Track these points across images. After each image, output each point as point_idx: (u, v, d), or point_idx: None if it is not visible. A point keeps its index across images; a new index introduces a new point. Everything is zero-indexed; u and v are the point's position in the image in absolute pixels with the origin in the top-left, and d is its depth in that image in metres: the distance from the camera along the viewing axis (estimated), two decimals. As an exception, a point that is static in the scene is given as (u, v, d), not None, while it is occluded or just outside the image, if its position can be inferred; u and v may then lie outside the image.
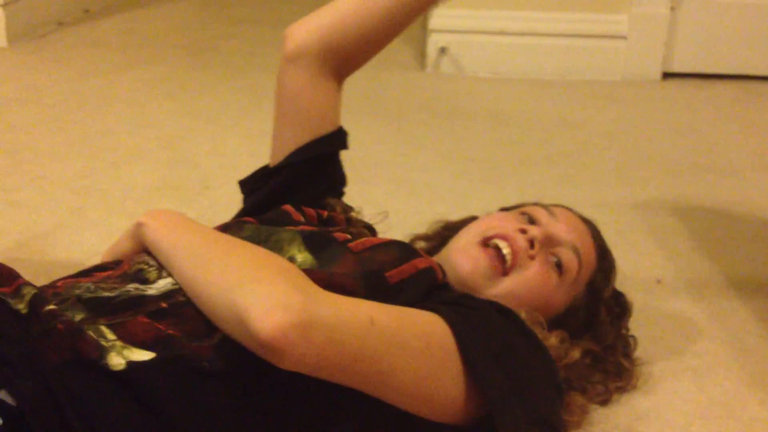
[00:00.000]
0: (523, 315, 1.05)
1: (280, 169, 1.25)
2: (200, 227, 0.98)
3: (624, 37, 2.67)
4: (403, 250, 1.06)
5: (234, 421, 0.86)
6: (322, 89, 1.24)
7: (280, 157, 1.26)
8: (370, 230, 1.24)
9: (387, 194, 1.83)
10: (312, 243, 1.02)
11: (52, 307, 0.88)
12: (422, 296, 1.01)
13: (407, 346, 0.88)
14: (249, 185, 1.30)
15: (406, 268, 1.02)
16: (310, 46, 1.22)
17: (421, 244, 1.30)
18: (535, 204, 1.20)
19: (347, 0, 1.22)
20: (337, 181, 1.29)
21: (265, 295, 0.79)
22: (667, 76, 2.71)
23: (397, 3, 1.20)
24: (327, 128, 1.25)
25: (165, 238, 0.96)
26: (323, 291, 0.85)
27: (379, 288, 0.98)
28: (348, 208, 1.26)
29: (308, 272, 0.89)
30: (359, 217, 1.26)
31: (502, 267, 1.09)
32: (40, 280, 0.99)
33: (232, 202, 1.75)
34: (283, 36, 1.24)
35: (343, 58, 1.23)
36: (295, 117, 1.25)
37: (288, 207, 1.18)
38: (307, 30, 1.22)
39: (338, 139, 1.27)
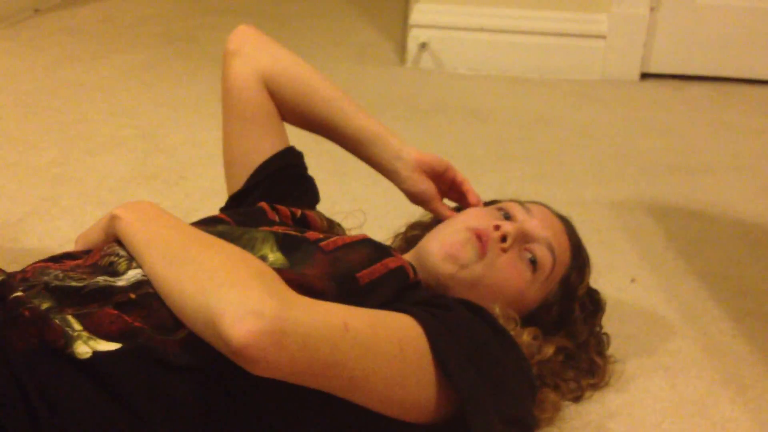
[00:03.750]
0: (497, 311, 1.05)
1: (249, 191, 1.25)
2: (175, 222, 0.97)
3: (603, 37, 2.68)
4: (374, 249, 1.05)
5: (201, 414, 0.85)
6: (264, 94, 1.26)
7: (231, 157, 1.28)
8: (340, 228, 1.24)
9: (365, 188, 1.83)
10: (284, 243, 1.02)
11: (18, 294, 0.87)
12: (394, 296, 1.00)
13: (381, 352, 0.88)
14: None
15: (378, 268, 1.01)
16: (257, 58, 1.25)
17: (414, 232, 1.30)
18: (512, 200, 1.20)
19: (298, 68, 1.26)
20: (310, 197, 1.30)
21: (238, 301, 0.78)
22: (645, 76, 2.72)
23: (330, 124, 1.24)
24: (276, 138, 1.27)
25: (138, 233, 0.95)
26: (297, 296, 0.84)
27: (350, 288, 0.97)
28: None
29: (279, 272, 0.88)
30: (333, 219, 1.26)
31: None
32: (12, 268, 0.98)
33: (208, 193, 1.74)
34: (236, 31, 1.27)
35: (273, 100, 1.27)
36: (240, 109, 1.26)
37: (264, 205, 1.18)
38: (258, 48, 1.26)
39: (291, 155, 1.29)
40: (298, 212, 1.21)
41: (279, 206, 1.19)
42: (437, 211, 1.21)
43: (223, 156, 1.31)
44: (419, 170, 1.21)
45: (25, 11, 2.94)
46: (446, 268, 1.08)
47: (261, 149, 1.26)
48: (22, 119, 2.10)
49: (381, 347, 0.88)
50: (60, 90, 2.30)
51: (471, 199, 1.22)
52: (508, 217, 1.14)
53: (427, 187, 1.21)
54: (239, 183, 1.27)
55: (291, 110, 1.27)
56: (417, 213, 1.34)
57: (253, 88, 1.25)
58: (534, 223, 1.13)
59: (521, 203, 1.17)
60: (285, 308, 0.79)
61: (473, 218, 1.13)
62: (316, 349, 0.81)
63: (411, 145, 1.23)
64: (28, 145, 1.94)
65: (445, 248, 1.09)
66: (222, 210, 1.27)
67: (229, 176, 1.30)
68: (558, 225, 1.16)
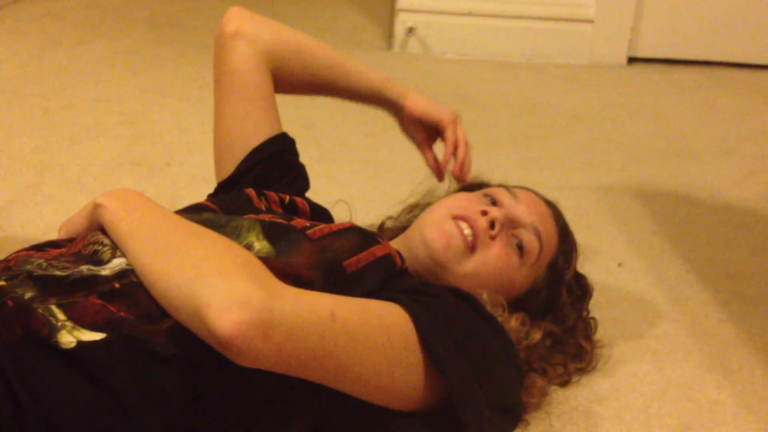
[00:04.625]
0: (484, 297, 1.05)
1: (240, 176, 1.24)
2: (159, 210, 0.96)
3: (591, 21, 2.68)
4: (361, 237, 1.05)
5: (187, 403, 0.85)
6: (267, 75, 1.28)
7: (228, 140, 1.27)
8: (328, 215, 1.23)
9: (352, 174, 1.82)
10: (271, 231, 1.01)
11: (1, 283, 0.86)
12: (381, 284, 1.00)
13: (368, 341, 0.87)
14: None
15: (365, 256, 1.01)
16: (259, 37, 1.28)
17: (390, 223, 1.29)
18: (499, 185, 1.19)
19: (297, 40, 1.30)
20: (300, 184, 1.29)
21: (224, 291, 0.78)
22: (632, 60, 2.72)
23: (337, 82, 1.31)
24: (274, 122, 1.28)
25: (122, 222, 0.94)
26: (284, 286, 0.83)
27: (337, 277, 0.97)
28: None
29: (265, 261, 0.87)
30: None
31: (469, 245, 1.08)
32: (-5, 256, 0.97)
33: (194, 179, 1.73)
34: (230, 13, 1.30)
35: (278, 74, 1.29)
36: (243, 92, 1.26)
37: (250, 191, 1.17)
38: (257, 25, 1.29)
39: (284, 141, 1.29)
40: (287, 198, 1.20)
41: (267, 192, 1.18)
42: (424, 158, 1.37)
43: (215, 139, 1.30)
44: (412, 122, 1.34)
45: (8, -4, 2.90)
46: (435, 259, 1.08)
47: (260, 132, 1.26)
48: (4, 105, 2.07)
49: (369, 336, 0.87)
50: (43, 76, 2.28)
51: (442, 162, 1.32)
52: (494, 202, 1.13)
53: (416, 137, 1.36)
54: (231, 167, 1.26)
55: (297, 80, 1.30)
56: (403, 198, 1.33)
57: (256, 69, 1.26)
58: (521, 208, 1.12)
59: (508, 188, 1.17)
60: (271, 299, 0.79)
61: (459, 203, 1.13)
62: (303, 339, 0.80)
63: (416, 92, 1.34)
64: (11, 132, 1.92)
65: (432, 241, 1.08)
66: (210, 196, 1.26)
67: (221, 160, 1.29)
68: (545, 210, 1.16)
